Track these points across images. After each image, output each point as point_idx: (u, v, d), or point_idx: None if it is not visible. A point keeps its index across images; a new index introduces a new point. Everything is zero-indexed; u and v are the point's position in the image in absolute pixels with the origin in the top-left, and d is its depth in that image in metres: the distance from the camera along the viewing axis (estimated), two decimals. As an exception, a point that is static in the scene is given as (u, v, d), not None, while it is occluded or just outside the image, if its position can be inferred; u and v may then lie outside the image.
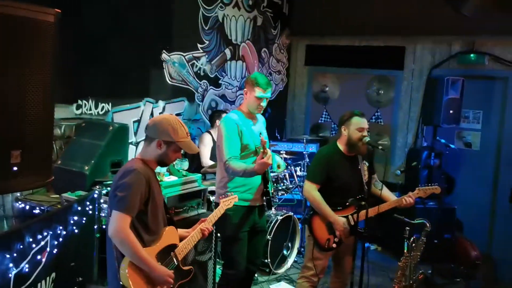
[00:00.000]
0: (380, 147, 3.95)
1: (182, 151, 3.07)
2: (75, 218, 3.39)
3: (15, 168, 2.21)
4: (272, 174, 5.67)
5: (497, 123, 6.78)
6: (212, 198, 4.95)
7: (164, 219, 3.08)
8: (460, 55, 6.86)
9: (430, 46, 7.12)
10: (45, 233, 3.03)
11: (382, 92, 7.60)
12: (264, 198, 4.15)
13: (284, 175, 5.74)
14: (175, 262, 3.01)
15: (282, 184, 5.69)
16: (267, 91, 4.04)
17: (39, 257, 2.94)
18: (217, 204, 4.07)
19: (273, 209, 5.69)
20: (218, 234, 4.31)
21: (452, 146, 6.29)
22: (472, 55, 6.74)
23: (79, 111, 4.71)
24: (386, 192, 4.33)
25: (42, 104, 2.10)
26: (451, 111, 6.25)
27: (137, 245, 2.75)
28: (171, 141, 2.92)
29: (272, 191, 4.26)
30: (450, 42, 6.93)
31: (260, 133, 4.13)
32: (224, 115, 4.95)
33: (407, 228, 4.28)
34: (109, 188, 3.92)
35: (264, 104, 4.10)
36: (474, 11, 5.49)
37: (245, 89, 4.11)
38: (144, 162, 2.96)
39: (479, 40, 6.70)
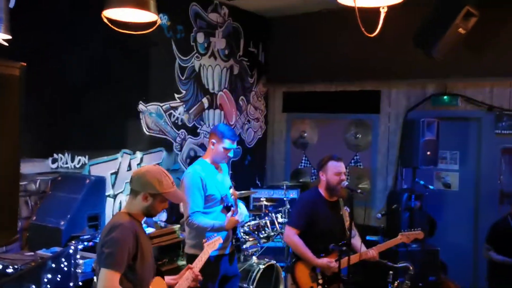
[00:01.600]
0: (358, 191, 3.95)
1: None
2: (49, 276, 3.29)
3: (-25, 227, 2.13)
4: (253, 223, 5.62)
5: (474, 163, 6.84)
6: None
7: (154, 270, 3.04)
8: (434, 97, 6.98)
9: (404, 89, 7.24)
10: (17, 294, 2.92)
11: (360, 136, 7.67)
12: (234, 244, 4.21)
13: (265, 223, 5.67)
14: None
15: (263, 232, 5.62)
16: (235, 142, 4.19)
17: (10, 319, 2.83)
18: (188, 255, 4.11)
19: (254, 257, 5.61)
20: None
21: (432, 187, 6.31)
22: (445, 97, 6.87)
23: (55, 165, 4.64)
24: (355, 242, 4.27)
25: (6, 159, 2.06)
26: (428, 153, 6.30)
27: None
28: (157, 193, 2.89)
29: (241, 235, 4.27)
30: (424, 85, 7.06)
31: (231, 187, 4.19)
32: None
33: (391, 272, 4.24)
34: (86, 243, 3.85)
35: (231, 154, 4.21)
36: (444, 55, 5.64)
37: (212, 140, 4.18)
38: (130, 215, 2.92)
39: (451, 82, 6.84)
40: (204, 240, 3.62)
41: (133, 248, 2.79)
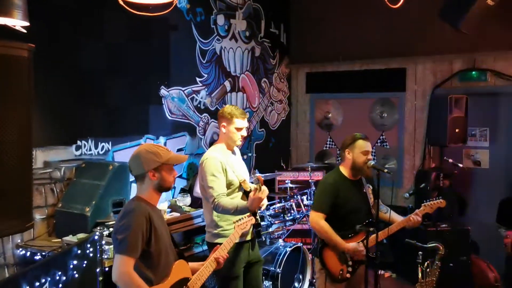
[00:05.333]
0: (385, 171, 3.85)
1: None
2: (75, 262, 3.29)
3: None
4: (278, 206, 5.58)
5: (505, 139, 6.66)
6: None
7: (174, 254, 3.02)
8: (462, 73, 6.79)
9: (431, 65, 7.06)
10: (43, 280, 2.93)
11: (386, 115, 7.52)
12: (255, 230, 4.08)
13: (291, 205, 5.62)
14: None
15: (289, 215, 5.57)
16: (245, 119, 4.07)
17: (37, 305, 2.84)
18: (209, 244, 4.05)
19: (281, 240, 5.57)
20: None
21: (460, 165, 6.16)
22: (473, 72, 6.67)
23: (78, 152, 4.65)
24: (393, 215, 4.23)
25: (17, 145, 2.02)
26: (456, 130, 6.15)
27: (142, 285, 2.70)
28: (159, 165, 2.89)
29: (259, 221, 4.16)
30: (451, 61, 6.88)
31: (256, 170, 4.09)
32: None
33: (420, 252, 4.15)
34: (111, 229, 3.84)
35: (244, 133, 4.10)
36: (473, 28, 5.44)
37: (222, 123, 4.08)
38: (142, 200, 2.92)
39: (479, 57, 6.64)
40: (234, 221, 3.54)
41: (147, 232, 2.78)
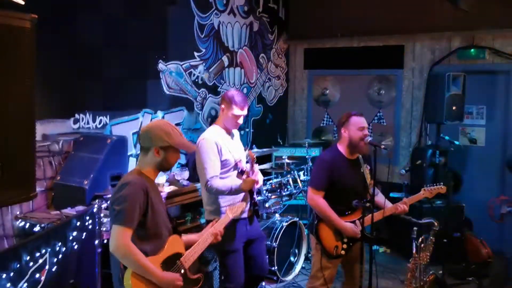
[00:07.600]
0: (382, 146, 3.86)
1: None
2: (74, 233, 3.33)
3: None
4: (275, 181, 5.62)
5: (501, 117, 6.69)
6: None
7: (168, 228, 3.04)
8: (460, 51, 6.78)
9: (429, 43, 7.05)
10: (44, 251, 2.96)
11: (383, 92, 7.53)
12: (253, 208, 4.15)
13: (288, 181, 5.66)
14: (182, 270, 2.97)
15: (286, 190, 5.61)
16: (244, 109, 4.08)
17: (38, 275, 2.88)
18: (208, 222, 4.03)
19: (277, 215, 5.63)
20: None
21: (457, 142, 6.19)
22: (472, 50, 6.66)
23: (76, 125, 4.65)
24: (380, 199, 4.19)
25: (21, 115, 2.02)
26: (454, 108, 6.17)
27: (140, 256, 2.73)
28: (167, 146, 2.90)
29: (255, 200, 4.21)
30: (450, 38, 6.87)
31: (248, 147, 4.12)
32: None
33: (415, 228, 4.20)
34: (109, 202, 3.87)
35: (241, 121, 4.14)
36: (472, 5, 5.42)
37: (222, 106, 4.12)
38: (141, 173, 2.94)
39: (478, 35, 6.63)
40: (227, 206, 3.63)
41: (144, 204, 2.80)
